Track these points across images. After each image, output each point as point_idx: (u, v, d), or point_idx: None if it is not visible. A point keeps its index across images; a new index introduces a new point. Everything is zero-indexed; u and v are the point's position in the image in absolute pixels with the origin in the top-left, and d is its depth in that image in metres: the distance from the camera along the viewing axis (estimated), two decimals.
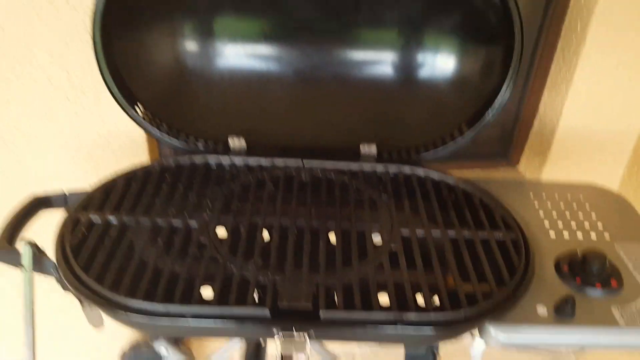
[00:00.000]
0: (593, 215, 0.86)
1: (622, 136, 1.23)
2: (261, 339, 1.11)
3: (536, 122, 1.28)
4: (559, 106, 1.21)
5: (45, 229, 0.76)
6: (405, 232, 0.79)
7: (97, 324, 0.90)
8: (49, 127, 1.03)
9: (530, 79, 1.26)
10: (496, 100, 0.89)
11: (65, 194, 0.84)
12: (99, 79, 0.92)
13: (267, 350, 1.13)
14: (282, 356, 0.94)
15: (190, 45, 0.94)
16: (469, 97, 0.94)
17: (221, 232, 0.79)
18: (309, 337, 0.64)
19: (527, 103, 1.28)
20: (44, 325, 1.30)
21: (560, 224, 0.84)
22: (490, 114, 0.91)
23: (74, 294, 0.81)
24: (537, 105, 1.26)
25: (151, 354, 1.30)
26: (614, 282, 0.72)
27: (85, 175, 1.08)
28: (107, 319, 0.89)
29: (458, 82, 0.94)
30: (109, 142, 1.07)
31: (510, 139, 1.34)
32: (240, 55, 0.96)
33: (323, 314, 0.64)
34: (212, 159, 0.93)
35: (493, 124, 0.95)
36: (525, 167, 1.33)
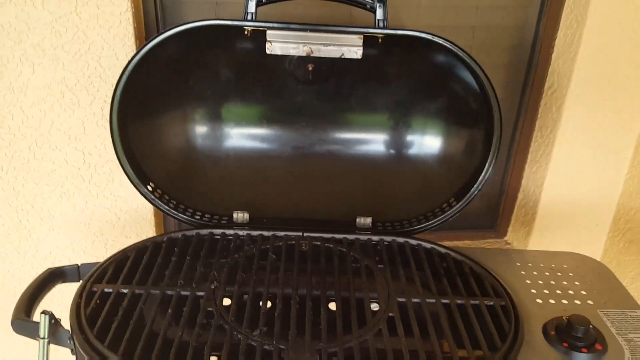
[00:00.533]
0: (577, 282, 0.92)
1: (602, 206, 1.31)
2: None
3: (520, 195, 1.35)
4: (540, 180, 1.29)
5: (57, 300, 0.80)
6: (401, 299, 0.84)
7: None
8: (62, 204, 1.09)
9: (512, 155, 1.35)
10: (480, 177, 0.97)
11: (78, 267, 0.89)
12: (112, 159, 1.00)
13: None
14: None
15: (199, 129, 1.02)
16: (455, 173, 1.02)
17: (227, 301, 0.83)
18: None
19: (511, 177, 1.36)
20: None
21: (546, 291, 0.89)
22: (475, 189, 0.98)
23: None
24: (520, 179, 1.35)
25: None
26: (598, 346, 0.76)
27: (95, 248, 1.13)
28: None
29: (444, 159, 1.02)
30: (118, 217, 1.13)
31: (497, 211, 1.41)
32: (244, 136, 1.04)
33: None
34: (217, 232, 0.99)
35: (480, 198, 1.02)
36: (513, 238, 1.39)
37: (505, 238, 1.39)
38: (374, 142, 1.04)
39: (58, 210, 1.10)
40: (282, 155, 1.05)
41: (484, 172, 0.95)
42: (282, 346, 0.73)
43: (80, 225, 1.12)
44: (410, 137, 1.02)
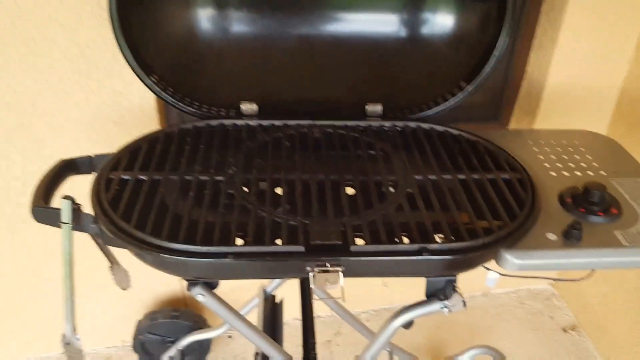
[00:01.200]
0: (588, 156, 0.93)
1: (606, 90, 1.31)
2: (272, 296, 1.16)
3: (524, 83, 1.34)
4: (546, 65, 1.27)
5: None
6: (419, 177, 0.84)
7: (125, 285, 0.94)
8: (63, 102, 1.06)
9: (517, 43, 1.32)
10: (493, 53, 0.95)
11: (90, 158, 0.87)
12: (112, 53, 0.96)
13: (282, 312, 1.18)
14: (302, 307, 0.99)
15: (201, 14, 0.97)
16: (466, 54, 1.00)
17: (246, 188, 0.83)
18: (342, 271, 0.69)
19: (515, 65, 1.34)
20: (54, 302, 1.33)
21: (559, 164, 0.91)
22: (487, 69, 0.96)
23: (105, 253, 0.86)
24: (525, 67, 1.33)
25: (165, 323, 1.34)
26: (614, 210, 0.78)
27: (99, 148, 1.11)
28: (133, 276, 0.93)
29: (456, 39, 1.00)
30: (121, 115, 1.10)
31: (500, 102, 1.40)
32: (246, 22, 1.00)
33: (353, 247, 0.69)
34: (228, 122, 0.97)
35: (484, 89, 1.01)
36: (516, 127, 1.39)
37: (508, 128, 1.40)
38: (383, 23, 1.00)
39: (59, 108, 1.06)
40: (288, 43, 1.02)
41: (497, 48, 0.93)
42: (306, 221, 0.74)
43: (83, 123, 1.09)
44: (421, 16, 0.99)
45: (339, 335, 1.53)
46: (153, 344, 1.35)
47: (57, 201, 0.75)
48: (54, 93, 1.04)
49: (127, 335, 1.40)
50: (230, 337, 1.52)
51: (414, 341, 1.51)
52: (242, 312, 1.24)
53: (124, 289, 0.96)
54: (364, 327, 1.27)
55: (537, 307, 1.65)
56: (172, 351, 1.31)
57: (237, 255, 0.68)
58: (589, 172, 0.89)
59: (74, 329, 0.80)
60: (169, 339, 1.35)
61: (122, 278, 0.94)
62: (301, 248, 0.69)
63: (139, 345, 1.36)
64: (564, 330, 1.58)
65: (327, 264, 0.69)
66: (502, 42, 0.93)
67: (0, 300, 1.32)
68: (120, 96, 1.08)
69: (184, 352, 1.34)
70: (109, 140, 1.12)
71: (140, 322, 1.36)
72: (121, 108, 1.09)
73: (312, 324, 0.98)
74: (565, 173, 0.89)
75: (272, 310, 1.16)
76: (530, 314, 1.63)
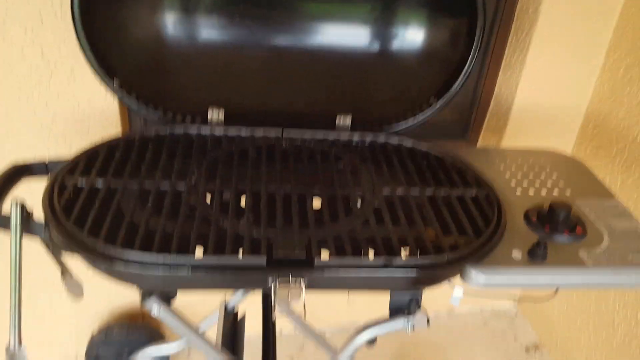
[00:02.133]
0: (554, 176, 0.94)
1: (572, 110, 1.33)
2: (237, 310, 1.13)
3: (492, 103, 1.36)
4: (514, 85, 1.29)
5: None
6: (386, 191, 0.83)
7: (77, 293, 0.90)
8: (23, 105, 1.01)
9: (486, 62, 1.34)
10: (463, 71, 0.95)
11: (45, 163, 0.83)
12: (74, 56, 0.92)
13: (244, 323, 1.15)
14: (263, 322, 0.97)
15: (168, 19, 0.95)
16: (437, 70, 1.00)
17: (209, 197, 0.80)
18: (304, 285, 0.67)
19: (484, 85, 1.35)
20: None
21: (525, 182, 0.91)
22: (457, 86, 0.97)
23: (57, 260, 0.81)
24: (493, 87, 1.34)
25: (121, 338, 1.29)
26: (579, 229, 0.79)
27: (59, 152, 1.07)
28: (87, 287, 0.89)
29: (426, 55, 1.00)
30: (82, 119, 1.06)
31: (469, 120, 1.41)
32: (216, 31, 0.98)
33: (317, 261, 0.67)
34: (192, 130, 0.95)
35: (453, 106, 1.01)
36: (484, 145, 1.40)
37: (476, 146, 1.41)
38: (354, 36, 0.99)
39: (17, 113, 1.02)
40: (257, 52, 1.00)
41: (467, 64, 0.93)
42: (270, 234, 0.72)
43: (42, 128, 1.05)
44: (392, 30, 0.99)
45: (302, 351, 1.50)
46: (108, 359, 1.30)
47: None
48: (11, 95, 1.00)
49: (81, 348, 1.34)
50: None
51: (377, 358, 1.49)
52: (202, 327, 1.21)
53: (77, 299, 0.91)
54: (327, 344, 1.25)
55: (501, 327, 1.65)
56: None
57: (196, 267, 0.65)
58: (555, 191, 0.89)
59: (19, 341, 0.75)
60: (124, 353, 1.29)
61: (74, 287, 0.89)
62: (263, 260, 0.67)
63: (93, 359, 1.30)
64: (527, 350, 1.58)
65: (290, 278, 0.66)
66: (471, 60, 0.94)
67: None
68: (81, 101, 1.04)
69: None
70: (68, 146, 1.08)
71: (93, 336, 1.30)
72: (82, 113, 1.05)
73: (274, 340, 0.95)
74: (531, 191, 0.89)
75: (233, 326, 1.12)
76: (493, 334, 1.63)
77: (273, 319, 0.98)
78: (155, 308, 0.74)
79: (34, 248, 0.74)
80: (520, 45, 1.24)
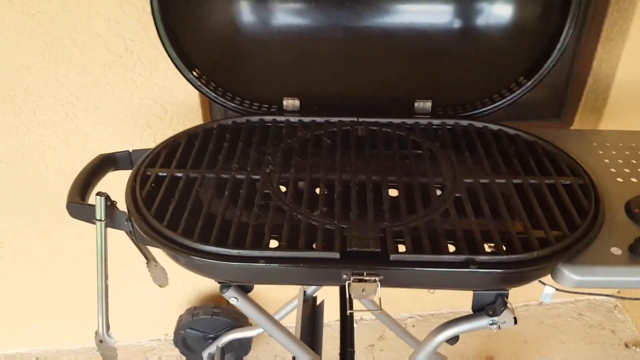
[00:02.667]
0: None
1: None
2: (316, 295, 1.13)
3: (590, 79, 1.24)
4: (615, 60, 1.17)
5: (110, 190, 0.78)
6: (469, 180, 0.78)
7: (162, 282, 0.93)
8: (107, 95, 1.06)
9: (583, 35, 1.22)
10: (555, 49, 0.87)
11: (129, 153, 0.86)
12: (155, 46, 0.94)
13: (322, 314, 1.14)
14: (340, 315, 0.95)
15: (243, 7, 0.94)
16: (526, 47, 0.92)
17: (283, 187, 0.79)
18: (379, 281, 0.64)
19: (581, 60, 1.24)
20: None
21: (627, 170, 0.82)
22: (549, 64, 0.89)
23: (141, 250, 0.84)
24: (591, 62, 1.23)
25: (206, 319, 1.33)
26: None
27: (143, 142, 1.11)
28: (172, 275, 0.92)
29: (515, 30, 0.92)
30: (165, 110, 1.09)
31: (563, 99, 1.30)
32: (291, 16, 0.96)
33: (393, 256, 0.64)
34: (268, 119, 0.94)
35: (545, 84, 0.93)
36: (580, 126, 1.29)
37: (572, 127, 1.30)
38: (434, 14, 0.94)
39: (103, 102, 1.06)
40: (333, 36, 0.97)
41: (561, 39, 0.85)
42: (344, 225, 0.70)
43: (127, 118, 1.09)
44: (476, 5, 0.92)
45: (382, 339, 1.48)
46: (194, 340, 1.35)
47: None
48: (98, 87, 1.04)
49: (169, 329, 1.40)
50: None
51: (461, 351, 1.44)
52: (281, 313, 1.22)
53: (161, 287, 0.95)
54: (408, 335, 1.22)
55: (597, 320, 1.54)
56: (212, 348, 1.30)
57: (269, 260, 0.65)
58: None
59: (107, 327, 0.79)
60: (210, 336, 1.34)
61: (159, 275, 0.93)
62: (337, 255, 0.65)
63: (180, 340, 1.36)
64: (627, 345, 1.46)
65: (364, 273, 0.64)
66: (567, 34, 0.85)
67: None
68: (163, 91, 1.07)
69: (224, 350, 1.32)
70: (152, 134, 1.11)
71: (181, 317, 1.36)
72: (165, 102, 1.08)
73: (351, 331, 0.94)
74: (633, 179, 0.80)
75: (312, 313, 1.12)
76: (589, 327, 1.52)
77: (349, 313, 0.97)
78: (234, 299, 0.75)
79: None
80: (623, 15, 1.12)
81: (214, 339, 1.33)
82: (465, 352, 1.43)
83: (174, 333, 1.36)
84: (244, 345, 1.40)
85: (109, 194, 0.72)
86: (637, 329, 1.51)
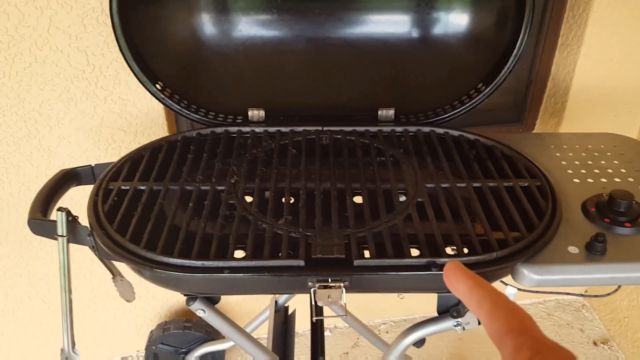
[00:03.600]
0: (615, 161, 0.87)
1: (636, 90, 1.23)
2: (285, 308, 1.13)
3: (549, 84, 1.28)
4: (572, 65, 1.21)
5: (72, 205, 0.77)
6: (430, 186, 0.80)
7: (129, 297, 0.92)
8: (71, 110, 1.05)
9: (540, 41, 1.26)
10: (512, 55, 0.90)
11: (92, 167, 0.85)
12: (118, 60, 0.94)
13: (294, 323, 1.15)
14: (311, 323, 0.95)
15: (206, 19, 0.95)
16: (484, 55, 0.95)
17: (248, 198, 0.80)
18: (344, 287, 0.65)
19: (540, 65, 1.28)
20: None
21: (583, 171, 0.85)
22: (507, 70, 0.91)
23: (106, 265, 0.83)
24: (550, 67, 1.26)
25: (178, 334, 1.32)
26: None
27: (108, 156, 1.10)
28: (142, 290, 0.91)
29: (472, 38, 0.95)
30: (129, 123, 1.08)
31: (524, 104, 1.34)
32: (254, 27, 0.97)
33: (357, 261, 0.65)
34: (233, 129, 0.94)
35: (506, 90, 0.96)
36: (541, 130, 1.33)
37: (534, 131, 1.33)
38: (394, 24, 0.95)
39: (67, 117, 1.05)
40: (296, 47, 0.98)
41: (516, 47, 0.88)
42: (308, 233, 0.70)
43: (91, 132, 1.08)
44: (434, 15, 0.94)
45: (356, 347, 1.49)
46: (166, 355, 1.33)
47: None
48: (61, 102, 1.03)
49: (141, 345, 1.38)
50: None
51: (434, 353, 1.45)
52: (253, 325, 1.21)
53: (129, 301, 0.93)
54: (381, 341, 1.23)
55: (566, 319, 1.57)
56: None
57: (234, 270, 0.65)
58: (616, 179, 0.83)
59: (72, 343, 0.78)
60: (182, 350, 1.32)
61: (125, 290, 0.91)
62: (301, 262, 0.65)
63: (152, 356, 1.34)
64: (595, 343, 1.50)
65: (329, 279, 0.65)
66: (521, 41, 0.88)
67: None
68: (127, 104, 1.06)
69: None
70: (117, 148, 1.11)
71: (152, 332, 1.34)
72: (129, 116, 1.08)
73: (322, 339, 0.94)
74: (589, 180, 0.83)
75: (284, 323, 1.12)
76: (558, 326, 1.55)
77: (315, 320, 0.97)
78: (201, 312, 0.75)
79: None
80: (577, 21, 1.16)
81: (187, 353, 1.31)
82: (437, 356, 1.45)
83: (145, 349, 1.34)
84: (217, 359, 1.39)
85: (70, 210, 0.71)
86: (604, 327, 1.55)
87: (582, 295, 1.60)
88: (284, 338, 1.09)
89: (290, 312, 1.14)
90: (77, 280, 1.26)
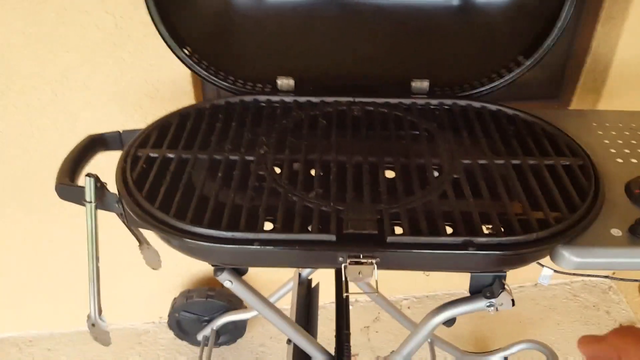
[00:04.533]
0: None
1: None
2: (311, 278, 1.12)
3: (589, 59, 1.22)
4: (614, 40, 1.15)
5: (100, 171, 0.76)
6: (467, 162, 0.77)
7: (155, 265, 0.92)
8: (96, 75, 1.03)
9: (582, 14, 1.20)
10: (555, 27, 0.85)
11: (119, 133, 0.84)
12: (145, 23, 0.91)
13: (318, 295, 1.14)
14: (336, 295, 0.94)
15: None
16: (524, 25, 0.91)
17: (277, 168, 0.78)
18: (376, 264, 0.63)
19: (580, 39, 1.22)
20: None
21: (627, 150, 0.81)
22: (549, 43, 0.87)
23: (133, 232, 0.83)
24: (590, 41, 1.21)
25: (200, 302, 1.32)
26: None
27: (134, 122, 1.09)
28: (166, 257, 0.90)
29: (514, 8, 0.90)
30: (156, 89, 1.07)
31: (561, 79, 1.29)
32: None
33: (390, 238, 0.63)
34: (262, 98, 0.92)
35: (543, 64, 0.91)
36: (578, 107, 1.28)
37: (570, 108, 1.28)
38: None
39: (93, 82, 1.04)
40: (329, 13, 0.94)
41: (561, 18, 0.83)
42: (340, 207, 0.68)
43: (117, 97, 1.06)
44: None
45: (377, 321, 1.48)
46: (188, 323, 1.34)
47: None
48: (87, 65, 1.01)
49: (164, 311, 1.39)
50: None
51: (457, 332, 1.44)
52: (276, 296, 1.21)
53: (155, 269, 0.93)
54: (403, 316, 1.21)
55: (592, 301, 1.55)
56: (207, 330, 1.30)
57: (264, 242, 0.63)
58: None
59: (99, 310, 0.78)
60: (204, 318, 1.33)
61: (151, 258, 0.91)
62: (332, 237, 0.63)
63: (174, 323, 1.35)
64: (621, 326, 1.47)
65: (361, 256, 0.63)
66: (567, 12, 0.84)
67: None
68: (154, 69, 1.04)
69: (219, 332, 1.32)
70: (144, 115, 1.09)
71: (175, 299, 1.35)
72: (156, 82, 1.06)
73: (347, 314, 0.93)
74: (633, 160, 0.79)
75: (308, 295, 1.11)
76: (584, 308, 1.53)
77: (344, 296, 0.96)
78: (228, 282, 0.74)
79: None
80: None
81: (209, 321, 1.32)
82: (459, 334, 1.43)
83: (168, 316, 1.35)
84: (239, 328, 1.39)
85: (98, 176, 0.70)
86: (631, 310, 1.52)
87: (608, 277, 1.57)
88: (307, 310, 1.09)
89: (313, 285, 1.14)
90: (102, 246, 1.26)
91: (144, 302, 1.44)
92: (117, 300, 1.40)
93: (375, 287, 0.64)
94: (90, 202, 0.71)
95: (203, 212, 0.67)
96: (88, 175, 0.70)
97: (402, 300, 1.55)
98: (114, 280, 1.35)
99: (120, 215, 0.74)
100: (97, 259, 0.75)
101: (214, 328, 1.28)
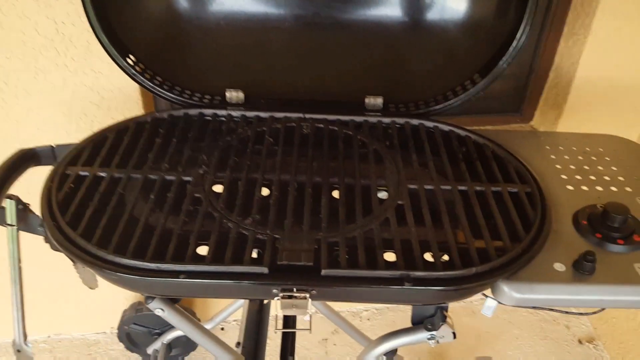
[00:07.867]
0: (613, 167, 0.81)
1: None
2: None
3: (551, 74, 1.21)
4: (577, 56, 1.14)
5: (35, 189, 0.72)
6: (412, 186, 0.74)
7: (91, 284, 0.87)
8: (39, 81, 0.98)
9: (545, 29, 1.19)
10: (511, 47, 0.83)
11: (52, 148, 0.80)
12: (89, 30, 0.87)
13: (269, 311, 1.11)
14: (284, 317, 0.91)
15: None
16: (481, 43, 0.88)
17: (217, 188, 0.74)
18: (310, 297, 0.60)
19: (542, 54, 1.21)
20: (41, 286, 1.28)
21: (578, 177, 0.79)
22: (504, 62, 0.85)
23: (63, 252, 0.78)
24: (553, 56, 1.20)
25: (151, 314, 1.28)
26: (637, 237, 0.67)
27: (80, 131, 1.05)
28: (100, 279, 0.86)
29: (470, 26, 0.88)
30: (102, 97, 1.02)
31: (524, 93, 1.27)
32: (237, 1, 0.89)
33: (325, 271, 0.60)
34: (208, 112, 0.88)
35: (505, 77, 0.89)
36: (540, 122, 1.27)
37: (532, 123, 1.27)
38: (389, 5, 0.88)
39: (35, 89, 0.99)
40: (282, 25, 0.91)
41: (516, 39, 0.81)
42: (277, 235, 0.65)
43: (62, 105, 1.01)
44: None
45: (336, 333, 1.46)
46: (138, 335, 1.30)
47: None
48: (28, 72, 0.97)
49: (115, 322, 1.35)
50: (222, 329, 1.46)
51: (415, 346, 1.42)
52: (228, 311, 1.18)
53: (91, 288, 0.89)
54: (358, 333, 1.19)
55: (552, 315, 1.54)
56: (158, 344, 1.26)
57: (191, 274, 0.60)
58: (612, 188, 0.77)
59: (24, 336, 0.74)
60: (155, 331, 1.29)
61: (88, 277, 0.87)
62: (265, 269, 0.60)
63: (124, 335, 1.31)
64: (580, 341, 1.47)
65: (294, 289, 0.60)
66: (523, 31, 0.81)
67: None
68: (100, 77, 1.00)
69: (170, 345, 1.28)
70: (90, 124, 1.05)
71: (125, 312, 1.30)
72: (101, 90, 1.01)
73: (293, 339, 0.90)
74: (584, 188, 0.77)
75: (259, 312, 1.08)
76: (544, 322, 1.52)
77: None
78: (160, 311, 0.70)
79: None
80: (586, 9, 1.09)
81: (160, 334, 1.28)
82: (418, 348, 1.42)
83: (118, 328, 1.30)
84: (191, 342, 1.36)
85: (20, 197, 0.66)
86: (591, 325, 1.52)
87: (558, 311, 1.57)
88: (257, 328, 1.05)
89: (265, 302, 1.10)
90: (50, 256, 1.22)
91: (94, 312, 1.39)
92: (67, 309, 1.35)
93: (309, 324, 0.61)
94: (12, 225, 0.66)
95: (129, 240, 0.63)
96: (9, 197, 0.66)
97: (362, 311, 1.52)
98: (64, 289, 1.30)
99: (45, 239, 0.70)
100: (20, 283, 0.71)
101: (164, 342, 1.24)
